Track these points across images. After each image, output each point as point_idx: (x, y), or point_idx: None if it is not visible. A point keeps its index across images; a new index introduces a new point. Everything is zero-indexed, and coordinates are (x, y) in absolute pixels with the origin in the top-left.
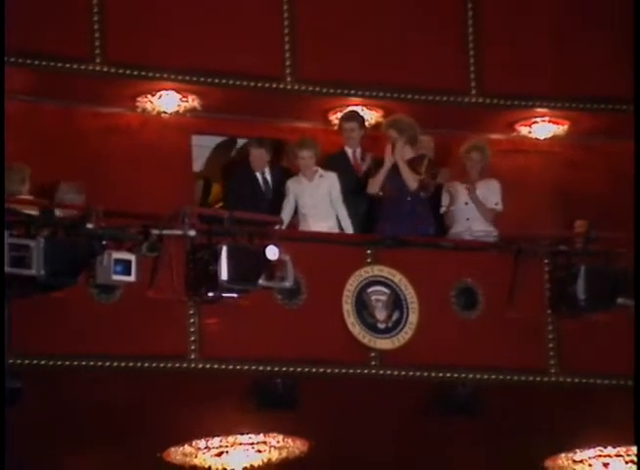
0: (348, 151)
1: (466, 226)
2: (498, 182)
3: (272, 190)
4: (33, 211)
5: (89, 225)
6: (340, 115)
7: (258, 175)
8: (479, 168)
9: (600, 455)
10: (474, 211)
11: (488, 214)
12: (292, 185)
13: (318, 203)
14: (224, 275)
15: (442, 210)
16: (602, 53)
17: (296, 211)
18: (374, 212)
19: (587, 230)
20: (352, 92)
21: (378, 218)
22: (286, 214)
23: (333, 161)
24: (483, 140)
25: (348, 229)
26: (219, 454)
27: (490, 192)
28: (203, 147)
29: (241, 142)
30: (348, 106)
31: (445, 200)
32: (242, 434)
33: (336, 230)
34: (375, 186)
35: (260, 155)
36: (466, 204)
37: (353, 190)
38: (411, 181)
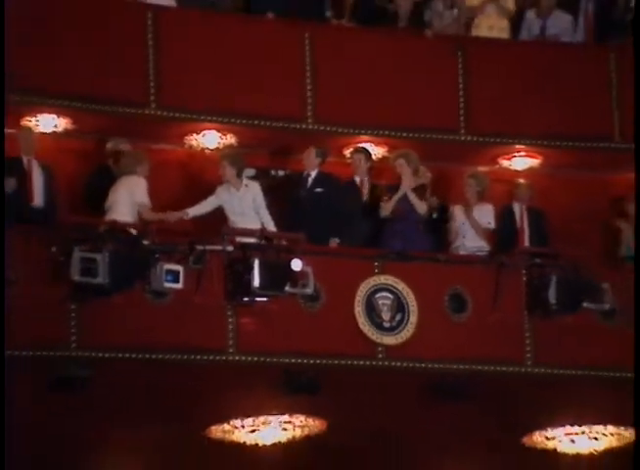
0: (357, 179)
1: (461, 242)
2: (492, 206)
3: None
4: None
5: (145, 241)
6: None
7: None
8: (474, 193)
9: (568, 433)
10: (469, 229)
11: (482, 232)
12: (221, 192)
13: (245, 210)
14: (256, 283)
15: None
16: (569, 99)
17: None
18: (380, 231)
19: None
20: (362, 131)
21: (385, 235)
22: (201, 209)
23: (345, 187)
24: (482, 172)
25: (271, 229)
26: (253, 431)
27: (485, 213)
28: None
29: (273, 173)
30: (359, 142)
31: (451, 219)
32: (271, 415)
33: None
34: (388, 209)
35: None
36: (463, 224)
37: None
38: (420, 207)
